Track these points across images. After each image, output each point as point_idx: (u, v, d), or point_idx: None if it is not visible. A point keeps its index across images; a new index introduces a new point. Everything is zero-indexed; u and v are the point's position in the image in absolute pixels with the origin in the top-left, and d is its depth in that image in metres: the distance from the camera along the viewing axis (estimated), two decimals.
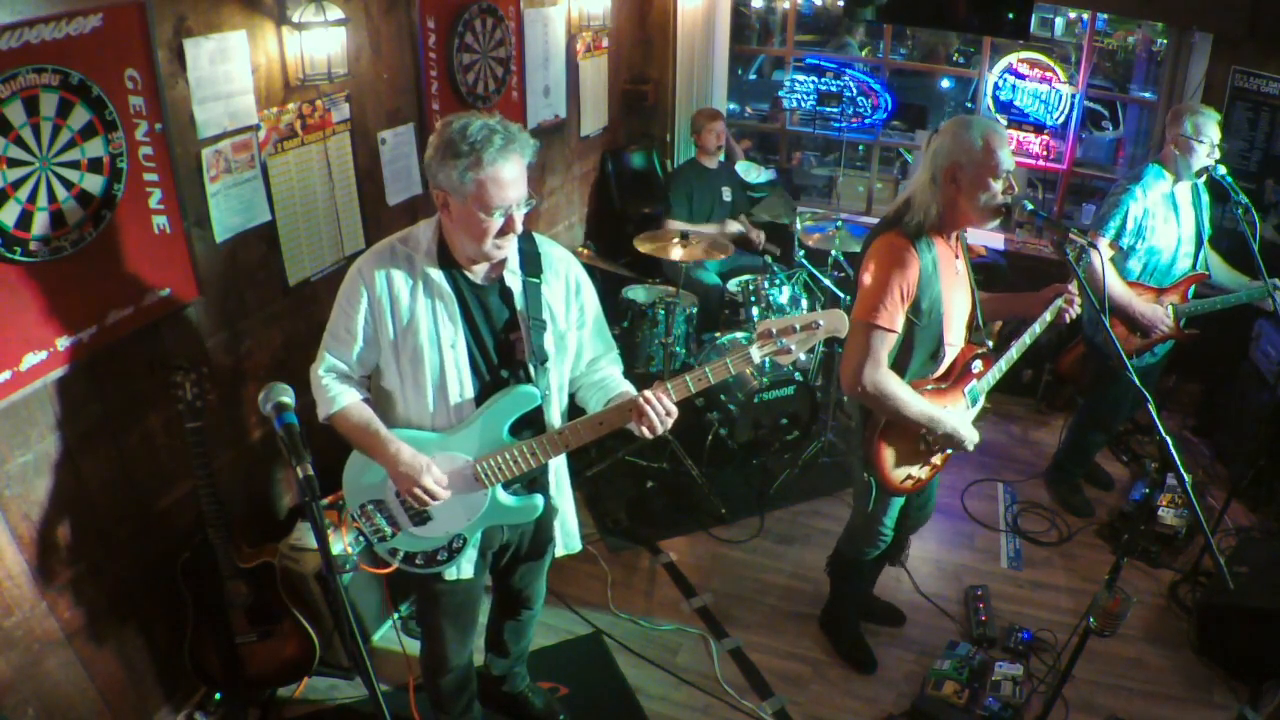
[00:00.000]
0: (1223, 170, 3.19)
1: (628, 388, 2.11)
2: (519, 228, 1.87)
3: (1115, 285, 3.28)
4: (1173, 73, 4.69)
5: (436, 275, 1.92)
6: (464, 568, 2.13)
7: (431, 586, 2.17)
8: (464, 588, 2.18)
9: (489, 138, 1.77)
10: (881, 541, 2.77)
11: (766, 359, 1.94)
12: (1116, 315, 3.32)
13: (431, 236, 1.94)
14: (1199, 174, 3.25)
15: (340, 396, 1.97)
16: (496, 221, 1.83)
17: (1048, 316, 2.54)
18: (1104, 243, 3.27)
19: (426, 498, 1.93)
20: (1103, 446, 4.02)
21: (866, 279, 2.32)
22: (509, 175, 1.80)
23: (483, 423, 1.97)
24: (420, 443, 1.96)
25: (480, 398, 1.99)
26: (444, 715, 2.48)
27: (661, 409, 1.89)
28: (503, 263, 1.96)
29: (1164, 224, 3.30)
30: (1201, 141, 3.18)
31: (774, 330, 1.87)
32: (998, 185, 2.22)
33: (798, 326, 1.87)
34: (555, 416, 2.11)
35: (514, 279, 1.98)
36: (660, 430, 1.90)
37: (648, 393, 1.90)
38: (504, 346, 2.00)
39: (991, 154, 2.20)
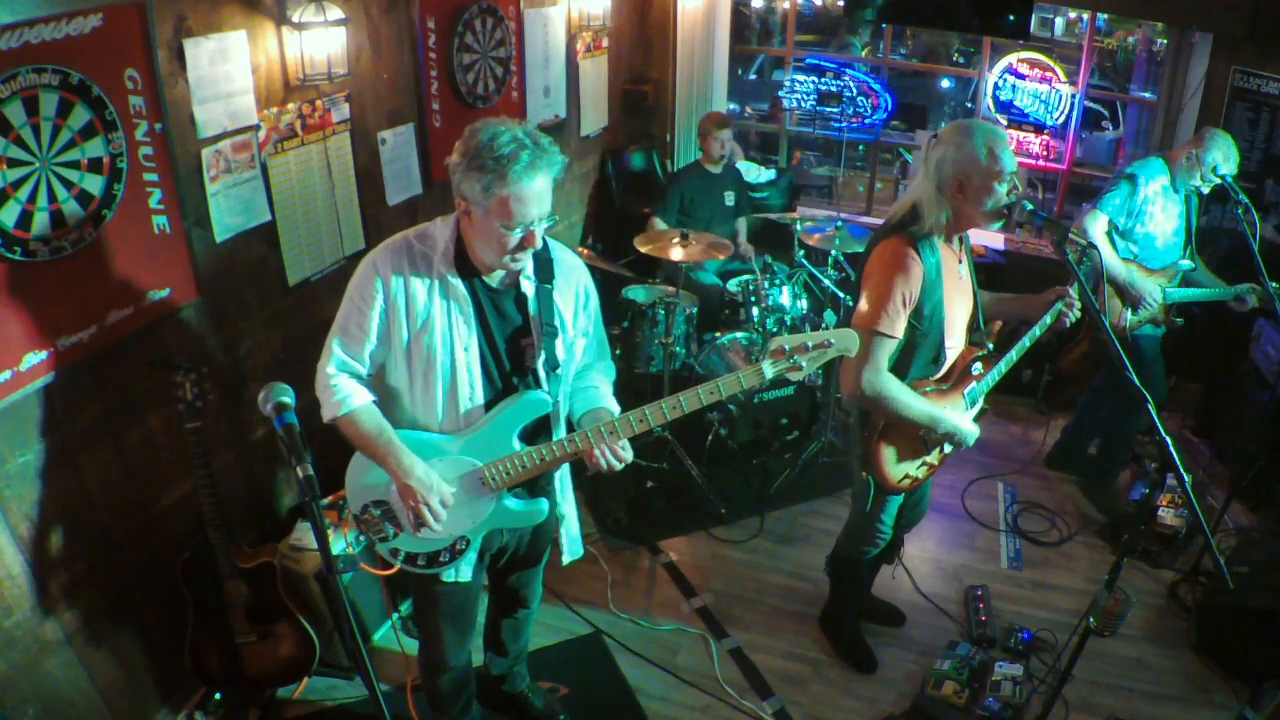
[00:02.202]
0: (1224, 170, 3.22)
1: (606, 405, 2.11)
2: (538, 244, 1.85)
3: (1111, 259, 3.35)
4: (1173, 73, 4.69)
5: (453, 278, 1.90)
6: (463, 570, 2.12)
7: (430, 588, 2.17)
8: (462, 589, 2.17)
9: (516, 154, 1.73)
10: (880, 540, 2.77)
11: (776, 374, 1.94)
12: (1110, 286, 3.40)
13: (449, 237, 1.91)
14: (1185, 189, 3.39)
15: (350, 398, 1.93)
16: (515, 237, 1.81)
17: (1048, 319, 2.55)
18: (1103, 219, 3.36)
19: (429, 516, 1.92)
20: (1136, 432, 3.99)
21: (870, 284, 2.32)
22: (532, 193, 1.77)
23: (492, 428, 1.96)
24: (429, 445, 1.95)
25: (490, 403, 1.98)
26: (442, 715, 2.48)
27: (613, 458, 1.93)
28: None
29: (1161, 212, 3.39)
30: (1207, 177, 3.28)
31: (787, 347, 1.89)
32: (1003, 189, 2.23)
33: (810, 345, 1.89)
34: (562, 423, 2.11)
35: (528, 284, 1.97)
36: (605, 470, 1.94)
37: (603, 448, 1.92)
38: (515, 352, 1.99)
39: (996, 161, 2.21)
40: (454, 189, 1.84)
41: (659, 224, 4.58)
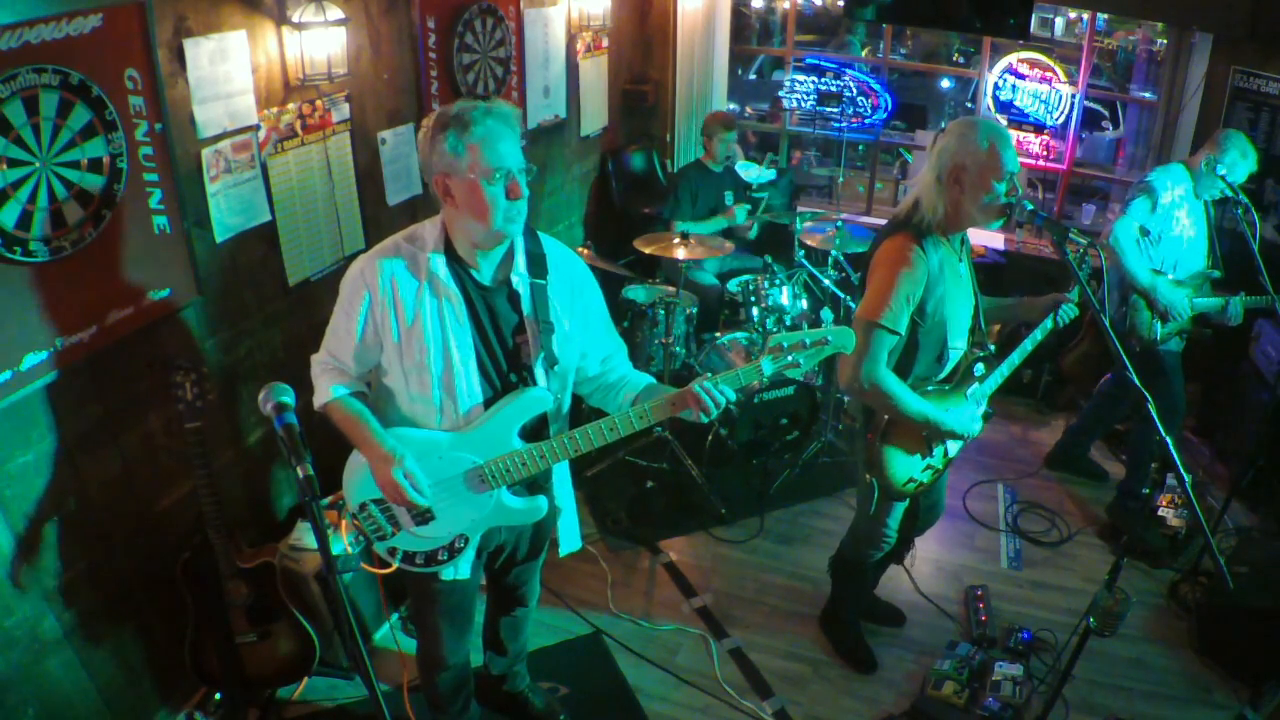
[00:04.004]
0: (1223, 170, 3.22)
1: (652, 380, 2.11)
2: (524, 192, 1.84)
3: (1137, 267, 3.33)
4: (1173, 73, 4.70)
5: (443, 275, 1.90)
6: (461, 567, 2.12)
7: (428, 586, 2.17)
8: (461, 586, 2.17)
9: (473, 106, 1.80)
10: (885, 544, 2.77)
11: (775, 370, 1.95)
12: (1141, 298, 3.38)
13: (438, 235, 1.92)
14: (1209, 195, 3.38)
15: (337, 386, 1.97)
16: (499, 190, 1.80)
17: (1049, 323, 2.55)
18: (1133, 225, 3.34)
19: (406, 486, 1.88)
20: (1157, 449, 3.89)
21: (875, 278, 2.32)
22: (500, 136, 1.80)
23: (492, 425, 1.96)
24: (428, 443, 1.96)
25: (488, 401, 1.98)
26: (442, 714, 2.48)
27: (719, 396, 1.89)
28: (509, 264, 1.95)
29: (1187, 218, 3.38)
30: (1222, 179, 3.25)
31: (785, 344, 1.90)
32: (1001, 187, 2.23)
33: (807, 342, 1.90)
34: (560, 421, 2.11)
35: (520, 281, 1.97)
36: (715, 413, 1.90)
37: (706, 384, 1.88)
38: (511, 350, 1.99)
39: (995, 156, 2.20)
40: (429, 177, 1.85)
41: (680, 226, 4.45)
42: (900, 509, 2.69)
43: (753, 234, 4.77)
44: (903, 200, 2.45)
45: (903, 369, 2.38)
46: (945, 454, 2.58)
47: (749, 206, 4.81)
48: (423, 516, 2.01)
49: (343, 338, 1.96)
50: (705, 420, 1.92)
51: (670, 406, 1.93)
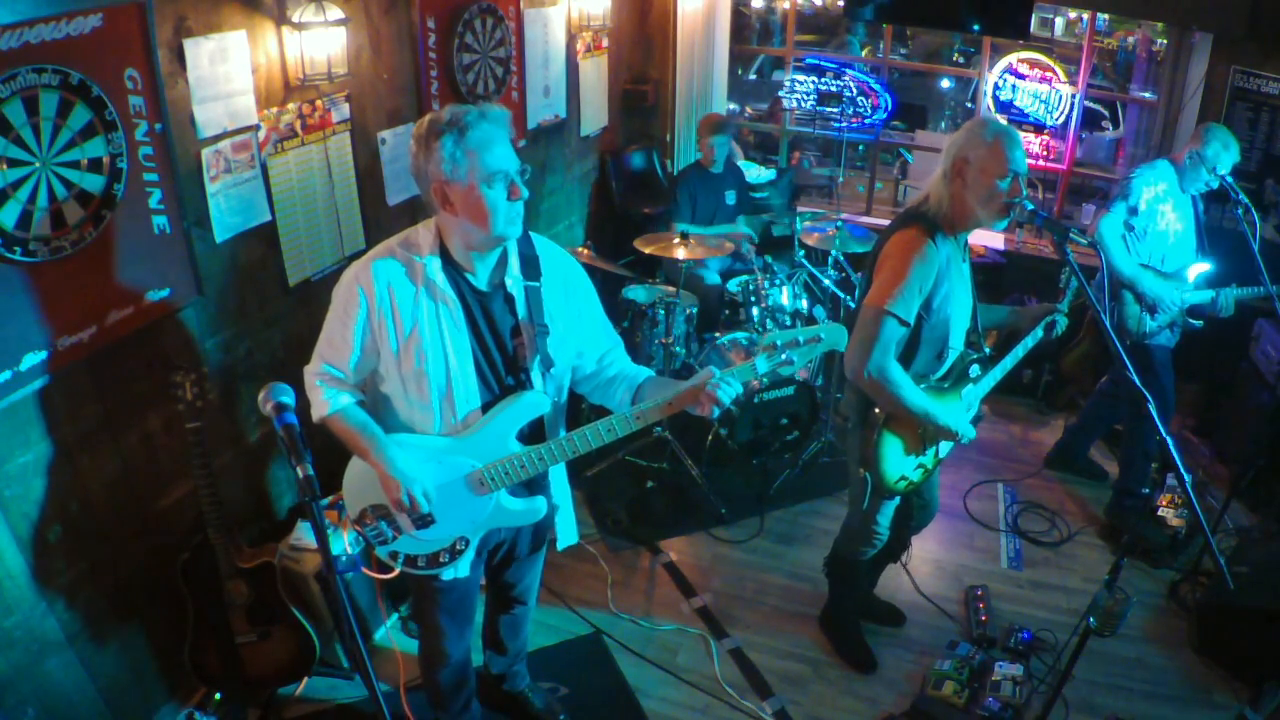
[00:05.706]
0: (1227, 159, 3.24)
1: (650, 373, 2.11)
2: (525, 193, 1.84)
3: (1121, 262, 3.35)
4: (1173, 73, 4.70)
5: (440, 281, 1.89)
6: (461, 566, 2.13)
7: (429, 584, 2.17)
8: (461, 584, 2.18)
9: (465, 112, 1.78)
10: (877, 541, 2.77)
11: (770, 368, 1.95)
12: (1130, 292, 3.40)
13: (433, 240, 1.91)
14: (1194, 189, 3.39)
15: (337, 398, 1.95)
16: (500, 193, 1.80)
17: (1039, 331, 2.57)
18: (1116, 221, 3.37)
19: (408, 505, 1.92)
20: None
21: (885, 268, 2.31)
22: (495, 139, 1.79)
23: (490, 429, 1.96)
24: (427, 448, 1.95)
25: (486, 405, 1.97)
26: (443, 712, 2.48)
27: (729, 389, 1.89)
28: (504, 267, 1.95)
29: (1172, 211, 3.39)
30: (1213, 171, 3.27)
31: (779, 342, 1.90)
32: (1003, 185, 2.22)
33: (801, 340, 1.90)
34: (556, 422, 2.11)
35: (515, 284, 1.97)
36: (726, 404, 1.90)
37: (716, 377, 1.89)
38: (508, 353, 1.99)
39: (999, 153, 2.20)
40: (425, 187, 1.83)
41: (681, 228, 4.42)
42: (891, 507, 2.69)
43: (754, 259, 4.75)
44: (911, 197, 2.47)
45: (902, 364, 2.38)
46: (936, 453, 2.59)
47: (752, 229, 4.85)
48: (424, 521, 2.01)
49: (339, 347, 1.93)
50: (717, 412, 1.91)
51: (667, 407, 1.93)
